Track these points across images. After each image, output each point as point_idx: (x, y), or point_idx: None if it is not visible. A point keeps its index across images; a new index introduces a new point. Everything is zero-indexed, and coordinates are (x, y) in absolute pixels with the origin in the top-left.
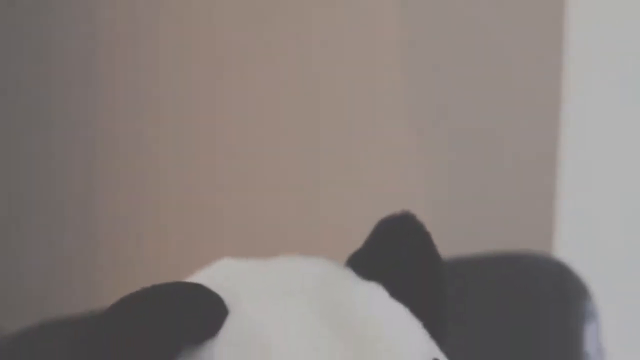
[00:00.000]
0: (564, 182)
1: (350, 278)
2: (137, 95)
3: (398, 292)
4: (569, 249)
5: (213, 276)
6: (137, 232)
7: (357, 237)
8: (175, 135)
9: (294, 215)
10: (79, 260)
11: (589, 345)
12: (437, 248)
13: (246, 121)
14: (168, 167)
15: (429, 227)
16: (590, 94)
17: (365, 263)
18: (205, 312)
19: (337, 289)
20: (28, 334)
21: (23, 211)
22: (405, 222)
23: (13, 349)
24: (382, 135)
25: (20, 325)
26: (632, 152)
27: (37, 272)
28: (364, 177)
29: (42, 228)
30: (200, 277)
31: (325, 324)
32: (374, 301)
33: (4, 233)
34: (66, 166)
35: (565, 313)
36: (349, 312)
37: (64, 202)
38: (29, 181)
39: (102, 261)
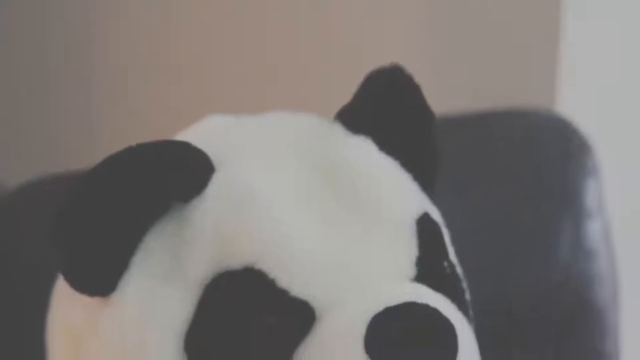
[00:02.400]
0: (567, 35)
1: (339, 132)
2: None
3: (387, 146)
4: (572, 104)
5: (200, 133)
6: (134, 87)
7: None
8: None
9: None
10: (75, 115)
11: (590, 200)
12: (428, 101)
13: None
14: (166, 22)
15: (430, 82)
16: None
17: (354, 117)
18: (192, 169)
19: (326, 142)
20: (27, 189)
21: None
22: (393, 75)
23: (12, 204)
24: None
25: (19, 180)
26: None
27: (37, 127)
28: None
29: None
30: (187, 134)
31: (314, 177)
32: (364, 155)
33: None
34: None
35: (567, 168)
36: (338, 165)
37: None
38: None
39: (98, 116)
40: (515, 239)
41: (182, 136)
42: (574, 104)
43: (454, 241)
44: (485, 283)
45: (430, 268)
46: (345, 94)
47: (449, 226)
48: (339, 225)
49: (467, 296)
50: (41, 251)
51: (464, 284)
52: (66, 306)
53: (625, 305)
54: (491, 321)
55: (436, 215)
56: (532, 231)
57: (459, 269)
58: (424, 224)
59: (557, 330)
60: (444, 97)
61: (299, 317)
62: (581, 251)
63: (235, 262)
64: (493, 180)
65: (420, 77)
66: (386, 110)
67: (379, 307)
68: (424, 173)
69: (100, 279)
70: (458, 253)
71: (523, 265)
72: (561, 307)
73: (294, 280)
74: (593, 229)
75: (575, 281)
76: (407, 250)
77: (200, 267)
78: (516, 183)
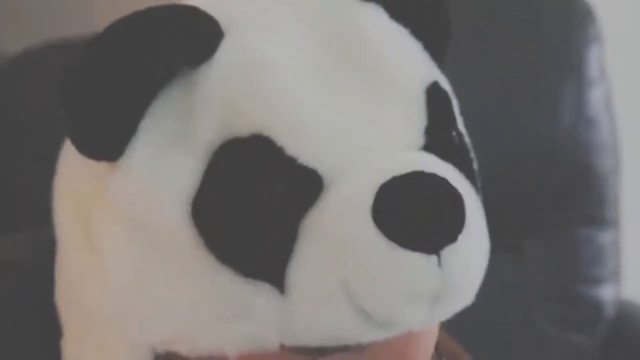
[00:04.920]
0: None
1: (349, 1)
2: None
3: (397, 14)
4: None
5: (208, 1)
6: None
7: None
8: None
9: None
10: None
11: (593, 69)
12: None
13: None
14: None
15: None
16: None
17: None
18: (201, 34)
19: (336, 10)
20: (29, 56)
21: None
22: None
23: (15, 71)
24: None
25: (21, 48)
26: None
27: None
28: None
29: None
30: (195, 0)
31: (324, 45)
32: (374, 22)
33: None
34: None
35: (570, 37)
36: (348, 32)
37: None
38: None
39: None
40: (518, 107)
41: (190, 2)
42: None
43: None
44: (486, 150)
45: (438, 137)
46: None
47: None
48: (348, 94)
49: (475, 166)
50: (42, 116)
51: (472, 154)
52: (73, 172)
53: (626, 174)
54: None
55: (445, 84)
56: (535, 100)
57: (467, 139)
58: (433, 93)
59: (558, 198)
60: None
61: (307, 185)
62: (583, 119)
63: (243, 128)
64: (496, 49)
65: None
66: None
67: (386, 176)
68: (434, 42)
69: (107, 142)
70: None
71: (525, 133)
72: (562, 174)
73: (302, 148)
74: (595, 97)
75: (576, 149)
76: (416, 119)
77: (208, 133)
78: (519, 52)
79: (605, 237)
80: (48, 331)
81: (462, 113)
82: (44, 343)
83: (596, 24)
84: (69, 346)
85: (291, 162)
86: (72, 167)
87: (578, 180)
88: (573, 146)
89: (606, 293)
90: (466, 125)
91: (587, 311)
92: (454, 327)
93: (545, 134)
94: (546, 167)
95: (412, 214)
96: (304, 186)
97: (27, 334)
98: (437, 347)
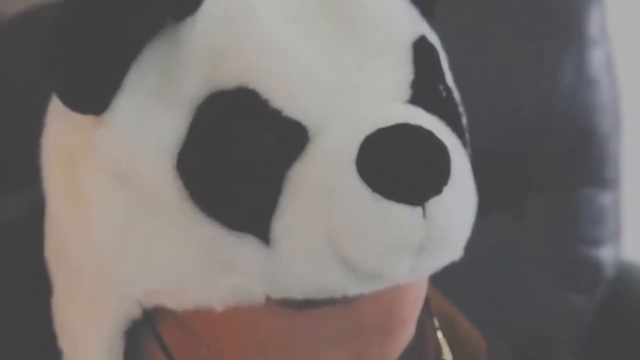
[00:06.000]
0: None
1: None
2: None
3: None
4: None
5: None
6: None
7: None
8: None
9: None
10: None
11: (594, 28)
12: None
13: None
14: None
15: None
16: None
17: None
18: None
19: None
20: (29, 17)
21: None
22: None
23: (14, 31)
24: None
25: (20, 8)
26: None
27: None
28: None
29: None
30: None
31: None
32: None
33: None
34: None
35: None
36: None
37: None
38: None
39: None
40: (519, 68)
41: None
42: None
43: (458, 69)
44: (487, 110)
45: (425, 91)
46: None
47: (452, 51)
48: (334, 46)
49: (464, 121)
50: (42, 76)
51: (461, 109)
52: (60, 126)
53: (626, 134)
54: (494, 151)
55: (433, 38)
56: (536, 61)
57: (456, 94)
58: (420, 47)
59: (559, 159)
60: None
61: (292, 137)
62: (583, 80)
63: (229, 81)
64: (497, 10)
65: None
66: None
67: (371, 127)
68: None
69: (93, 96)
70: (460, 81)
71: (526, 94)
72: (563, 135)
73: (287, 100)
74: (596, 58)
75: (577, 109)
76: (402, 73)
77: (193, 87)
78: (520, 14)
79: (605, 197)
80: (41, 289)
81: (464, 73)
82: (37, 301)
83: None
84: (58, 302)
85: (276, 114)
86: (58, 122)
87: (578, 140)
88: (574, 107)
89: (606, 254)
90: (467, 86)
91: (587, 272)
92: (451, 285)
93: (546, 95)
94: (547, 127)
95: (396, 166)
96: (289, 138)
97: (20, 292)
98: (428, 304)
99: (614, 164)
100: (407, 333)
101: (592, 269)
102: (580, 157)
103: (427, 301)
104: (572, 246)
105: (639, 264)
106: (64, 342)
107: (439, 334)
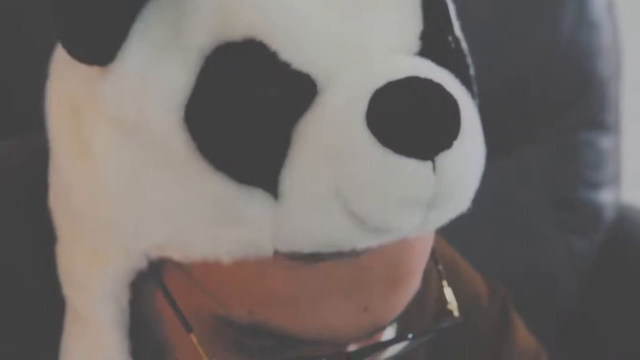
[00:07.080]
0: None
1: None
2: None
3: None
4: None
5: None
6: None
7: None
8: None
9: None
10: None
11: None
12: None
13: None
14: None
15: None
16: None
17: None
18: None
19: None
20: None
21: None
22: None
23: None
24: None
25: None
26: None
27: None
28: None
29: None
30: None
31: None
32: None
33: None
34: None
35: None
36: None
37: None
38: None
39: None
40: (519, 13)
41: None
42: None
43: (458, 14)
44: (487, 55)
45: (434, 43)
46: None
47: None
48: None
49: (472, 72)
50: (47, 22)
51: (469, 60)
52: (65, 77)
53: (626, 78)
54: (495, 97)
55: None
56: (536, 4)
57: (464, 44)
58: None
59: (559, 102)
60: None
61: (301, 90)
62: (584, 23)
63: (237, 33)
64: None
65: None
66: None
67: (381, 81)
68: None
69: (99, 46)
70: (464, 28)
71: (527, 38)
72: (563, 79)
73: (296, 52)
74: (597, 1)
75: (577, 53)
76: (411, 24)
77: (200, 38)
78: None
79: (605, 141)
80: (43, 237)
81: (464, 19)
82: (39, 249)
83: None
84: (63, 251)
85: (285, 66)
86: (64, 72)
87: (579, 84)
88: (574, 50)
89: (606, 197)
90: (468, 32)
91: (587, 215)
92: (452, 230)
93: (547, 39)
94: (547, 71)
95: (406, 120)
96: (298, 91)
97: (23, 239)
98: (434, 253)
99: (614, 107)
100: (413, 285)
101: (592, 212)
102: (580, 100)
103: (432, 250)
104: (572, 189)
105: (638, 207)
106: (69, 290)
107: (444, 283)
